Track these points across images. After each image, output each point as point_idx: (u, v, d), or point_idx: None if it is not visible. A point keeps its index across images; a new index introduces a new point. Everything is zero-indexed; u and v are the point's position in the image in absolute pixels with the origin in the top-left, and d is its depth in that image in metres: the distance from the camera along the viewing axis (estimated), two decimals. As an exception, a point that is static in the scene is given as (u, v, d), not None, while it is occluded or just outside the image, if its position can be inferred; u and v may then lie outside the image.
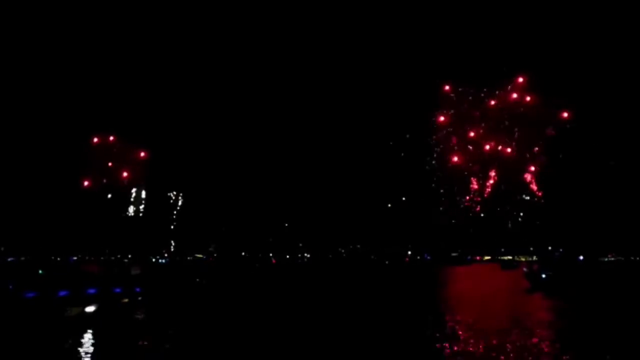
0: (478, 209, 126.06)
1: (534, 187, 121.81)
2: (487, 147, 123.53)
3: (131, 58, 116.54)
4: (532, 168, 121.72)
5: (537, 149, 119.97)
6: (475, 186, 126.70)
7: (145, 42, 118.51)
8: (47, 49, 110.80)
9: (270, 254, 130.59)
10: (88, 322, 18.22)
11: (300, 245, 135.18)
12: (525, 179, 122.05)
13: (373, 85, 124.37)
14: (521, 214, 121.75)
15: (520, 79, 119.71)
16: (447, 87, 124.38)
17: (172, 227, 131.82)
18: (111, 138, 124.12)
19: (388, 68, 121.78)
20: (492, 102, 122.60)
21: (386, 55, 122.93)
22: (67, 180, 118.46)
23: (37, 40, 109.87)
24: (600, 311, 23.48)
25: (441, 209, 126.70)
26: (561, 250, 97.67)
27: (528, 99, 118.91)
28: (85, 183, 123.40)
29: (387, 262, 73.12)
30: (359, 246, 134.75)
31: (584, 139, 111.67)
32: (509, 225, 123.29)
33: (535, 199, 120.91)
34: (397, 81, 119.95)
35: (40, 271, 23.12)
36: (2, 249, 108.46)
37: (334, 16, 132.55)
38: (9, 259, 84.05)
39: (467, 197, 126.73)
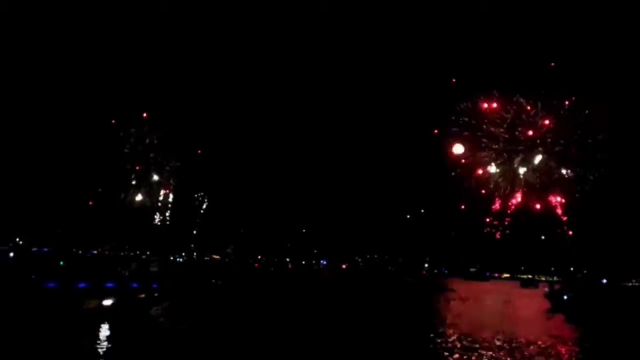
0: (499, 234, 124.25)
1: (559, 211, 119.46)
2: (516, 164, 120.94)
3: (149, 57, 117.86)
4: (559, 193, 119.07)
5: (565, 170, 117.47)
6: (498, 206, 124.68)
7: (164, 45, 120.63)
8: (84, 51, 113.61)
9: (287, 259, 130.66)
10: (105, 314, 18.37)
11: (317, 252, 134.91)
12: (550, 201, 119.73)
13: (400, 97, 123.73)
14: (542, 237, 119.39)
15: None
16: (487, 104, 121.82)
17: (192, 227, 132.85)
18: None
19: (414, 81, 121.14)
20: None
21: (412, 63, 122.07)
22: (92, 177, 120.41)
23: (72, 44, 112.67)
24: (622, 338, 22.76)
25: (459, 224, 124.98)
26: (585, 272, 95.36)
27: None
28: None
29: (408, 279, 72.00)
30: (376, 256, 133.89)
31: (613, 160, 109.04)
32: (529, 244, 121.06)
33: (560, 229, 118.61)
34: (424, 94, 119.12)
35: (61, 262, 23.45)
36: (28, 239, 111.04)
37: (358, 17, 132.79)
38: (33, 249, 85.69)
39: (488, 219, 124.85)
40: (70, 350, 13.88)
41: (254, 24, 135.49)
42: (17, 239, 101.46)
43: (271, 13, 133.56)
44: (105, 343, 14.86)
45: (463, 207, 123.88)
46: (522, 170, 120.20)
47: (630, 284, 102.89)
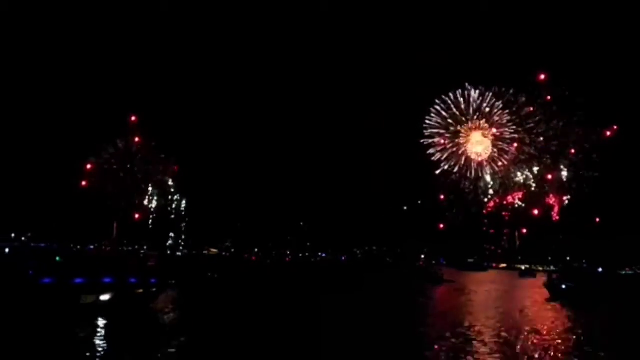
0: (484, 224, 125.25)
1: (556, 209, 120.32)
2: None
3: (142, 57, 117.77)
4: (554, 193, 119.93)
5: (562, 167, 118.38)
6: (492, 204, 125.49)
7: (155, 45, 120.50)
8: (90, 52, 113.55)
9: (288, 252, 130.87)
10: (102, 309, 18.26)
11: (316, 244, 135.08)
12: (548, 202, 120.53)
13: (395, 90, 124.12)
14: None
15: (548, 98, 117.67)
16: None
17: (189, 222, 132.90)
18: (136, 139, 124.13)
19: (408, 76, 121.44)
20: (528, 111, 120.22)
21: (406, 59, 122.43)
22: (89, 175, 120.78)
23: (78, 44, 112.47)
24: (622, 323, 22.81)
25: (458, 216, 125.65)
26: (584, 261, 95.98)
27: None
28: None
29: (405, 270, 72.18)
30: (374, 248, 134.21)
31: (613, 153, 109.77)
32: (519, 239, 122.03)
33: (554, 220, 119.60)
34: (420, 87, 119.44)
35: (57, 258, 23.29)
36: (30, 235, 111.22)
37: (355, 16, 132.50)
38: (31, 245, 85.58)
39: (486, 211, 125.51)
40: (67, 345, 13.76)
41: (254, 24, 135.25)
42: (13, 235, 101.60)
43: (271, 13, 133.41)
44: (103, 338, 14.76)
45: (443, 197, 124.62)
46: (519, 174, 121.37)
47: (623, 272, 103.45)
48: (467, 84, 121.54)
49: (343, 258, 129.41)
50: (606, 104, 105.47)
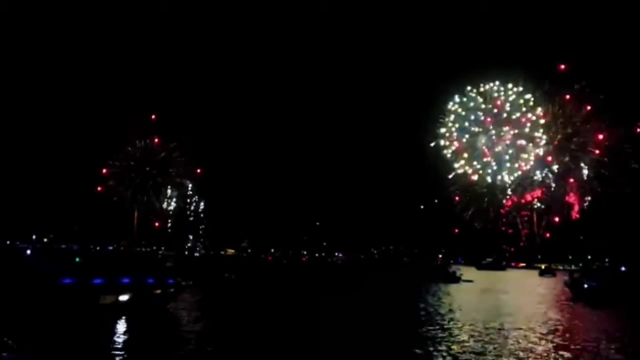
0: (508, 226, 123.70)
1: (576, 208, 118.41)
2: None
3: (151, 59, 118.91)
4: (575, 190, 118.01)
5: (583, 164, 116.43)
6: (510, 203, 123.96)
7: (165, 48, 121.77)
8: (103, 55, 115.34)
9: (302, 252, 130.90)
10: (121, 310, 18.38)
11: (332, 244, 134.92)
12: (568, 200, 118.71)
13: (406, 87, 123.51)
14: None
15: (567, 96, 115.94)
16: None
17: (207, 223, 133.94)
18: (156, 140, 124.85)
19: (420, 72, 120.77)
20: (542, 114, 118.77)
21: (421, 60, 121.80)
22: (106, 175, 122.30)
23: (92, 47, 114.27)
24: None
25: (476, 214, 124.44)
26: (606, 260, 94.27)
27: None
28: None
29: (423, 269, 71.37)
30: (391, 247, 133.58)
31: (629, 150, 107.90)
32: (540, 235, 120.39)
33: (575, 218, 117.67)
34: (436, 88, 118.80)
35: (77, 259, 23.53)
36: (52, 236, 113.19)
37: (362, 15, 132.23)
38: (52, 246, 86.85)
39: (504, 210, 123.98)
40: (88, 344, 13.85)
41: (254, 24, 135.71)
42: (34, 237, 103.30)
43: (270, 13, 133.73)
44: (122, 338, 14.83)
45: (458, 199, 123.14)
46: (538, 173, 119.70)
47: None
48: (484, 84, 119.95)
49: (362, 256, 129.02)
50: (629, 102, 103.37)
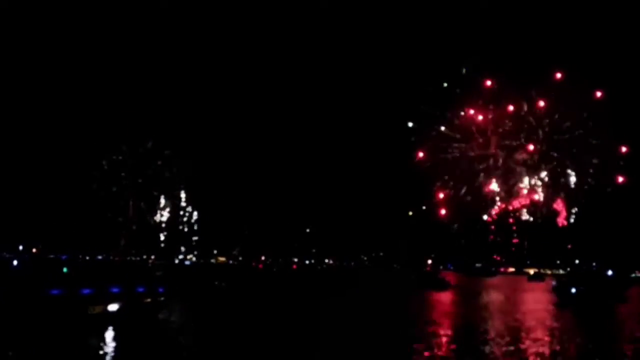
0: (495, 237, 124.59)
1: (563, 214, 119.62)
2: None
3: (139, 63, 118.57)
4: (562, 196, 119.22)
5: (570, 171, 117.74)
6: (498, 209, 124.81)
7: (154, 48, 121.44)
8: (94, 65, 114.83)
9: (293, 259, 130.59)
10: (111, 320, 18.28)
11: (322, 251, 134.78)
12: (556, 208, 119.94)
13: (396, 95, 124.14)
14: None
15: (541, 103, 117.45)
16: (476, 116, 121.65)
17: (198, 231, 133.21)
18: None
19: (411, 77, 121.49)
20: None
21: (408, 64, 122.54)
22: (99, 185, 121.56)
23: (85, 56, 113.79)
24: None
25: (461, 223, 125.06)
26: (594, 264, 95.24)
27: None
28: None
29: (412, 276, 71.88)
30: (381, 254, 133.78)
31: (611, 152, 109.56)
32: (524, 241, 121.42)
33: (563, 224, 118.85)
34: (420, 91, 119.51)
35: (65, 269, 23.40)
36: (41, 246, 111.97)
37: (359, 15, 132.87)
38: (40, 256, 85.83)
39: (491, 218, 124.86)
40: (77, 356, 13.78)
41: (253, 23, 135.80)
42: (20, 247, 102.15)
43: (270, 13, 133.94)
44: (111, 348, 14.77)
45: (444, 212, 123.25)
46: (526, 180, 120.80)
47: (633, 275, 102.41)
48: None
49: (352, 264, 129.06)
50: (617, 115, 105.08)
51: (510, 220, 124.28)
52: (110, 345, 15.21)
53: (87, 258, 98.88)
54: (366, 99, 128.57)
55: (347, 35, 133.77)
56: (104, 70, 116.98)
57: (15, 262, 32.04)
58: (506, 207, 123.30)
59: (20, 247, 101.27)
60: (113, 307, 19.26)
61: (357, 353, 14.84)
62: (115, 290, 19.97)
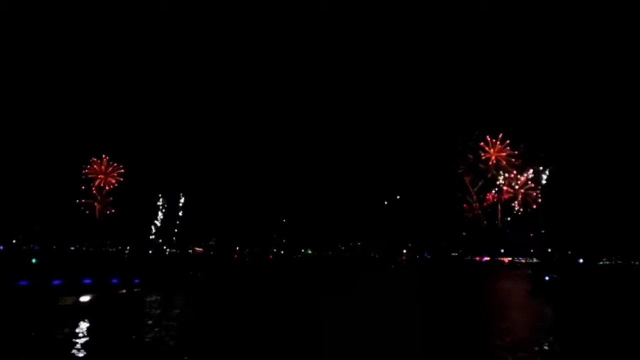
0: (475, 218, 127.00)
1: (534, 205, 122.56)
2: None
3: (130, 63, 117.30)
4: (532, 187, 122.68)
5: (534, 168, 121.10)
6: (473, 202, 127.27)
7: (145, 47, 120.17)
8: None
9: (274, 249, 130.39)
10: (83, 311, 17.81)
11: (299, 241, 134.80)
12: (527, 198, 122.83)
13: (380, 86, 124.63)
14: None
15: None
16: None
17: (175, 221, 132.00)
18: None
19: (394, 69, 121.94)
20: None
21: (390, 57, 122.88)
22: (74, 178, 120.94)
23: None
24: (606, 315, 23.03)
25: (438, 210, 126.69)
26: (569, 252, 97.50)
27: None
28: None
29: (392, 266, 72.76)
30: (359, 243, 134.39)
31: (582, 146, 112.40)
32: (507, 230, 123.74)
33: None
34: (404, 81, 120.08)
35: (33, 260, 22.74)
36: (20, 237, 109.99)
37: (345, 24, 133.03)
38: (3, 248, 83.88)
39: (467, 207, 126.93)
40: (43, 348, 13.33)
41: (253, 22, 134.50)
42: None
43: (270, 13, 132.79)
44: (82, 340, 14.33)
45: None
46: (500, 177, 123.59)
47: (600, 263, 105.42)
48: None
49: (329, 253, 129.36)
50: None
51: (486, 210, 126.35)
52: (80, 337, 14.76)
53: (60, 249, 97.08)
54: (343, 89, 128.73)
55: (342, 34, 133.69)
56: (97, 69, 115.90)
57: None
58: (481, 203, 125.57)
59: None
60: (85, 298, 18.78)
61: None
62: (87, 281, 19.48)
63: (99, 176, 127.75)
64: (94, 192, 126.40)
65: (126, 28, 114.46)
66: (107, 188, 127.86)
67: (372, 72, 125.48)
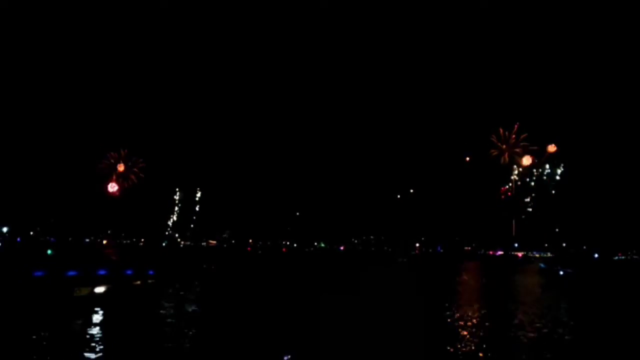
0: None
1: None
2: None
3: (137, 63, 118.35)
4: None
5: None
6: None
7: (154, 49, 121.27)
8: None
9: (287, 242, 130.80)
10: (97, 302, 18.02)
11: (313, 234, 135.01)
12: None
13: (394, 82, 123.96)
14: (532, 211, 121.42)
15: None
16: None
17: (189, 215, 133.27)
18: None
19: (403, 68, 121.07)
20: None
21: (401, 52, 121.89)
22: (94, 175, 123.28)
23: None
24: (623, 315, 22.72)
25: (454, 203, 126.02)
26: (584, 247, 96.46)
27: None
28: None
29: (404, 259, 72.38)
30: (372, 237, 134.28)
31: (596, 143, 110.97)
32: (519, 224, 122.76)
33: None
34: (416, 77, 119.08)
35: (48, 251, 23.05)
36: (38, 229, 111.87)
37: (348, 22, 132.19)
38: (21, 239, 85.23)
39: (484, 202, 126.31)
40: (57, 337, 13.53)
41: (253, 21, 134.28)
42: (5, 230, 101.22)
43: (270, 12, 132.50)
44: (97, 330, 14.53)
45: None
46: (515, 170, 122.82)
47: (616, 258, 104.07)
48: None
49: (341, 248, 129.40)
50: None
51: (499, 205, 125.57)
52: (95, 327, 14.96)
53: (71, 240, 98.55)
54: (353, 86, 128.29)
55: (341, 31, 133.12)
56: (97, 69, 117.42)
57: (-1, 245, 31.57)
58: (496, 195, 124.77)
59: (5, 229, 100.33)
60: (100, 289, 19.00)
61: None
62: (102, 272, 19.70)
63: (119, 164, 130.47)
64: (115, 176, 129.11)
65: (144, 28, 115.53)
66: (129, 175, 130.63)
67: (386, 67, 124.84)
